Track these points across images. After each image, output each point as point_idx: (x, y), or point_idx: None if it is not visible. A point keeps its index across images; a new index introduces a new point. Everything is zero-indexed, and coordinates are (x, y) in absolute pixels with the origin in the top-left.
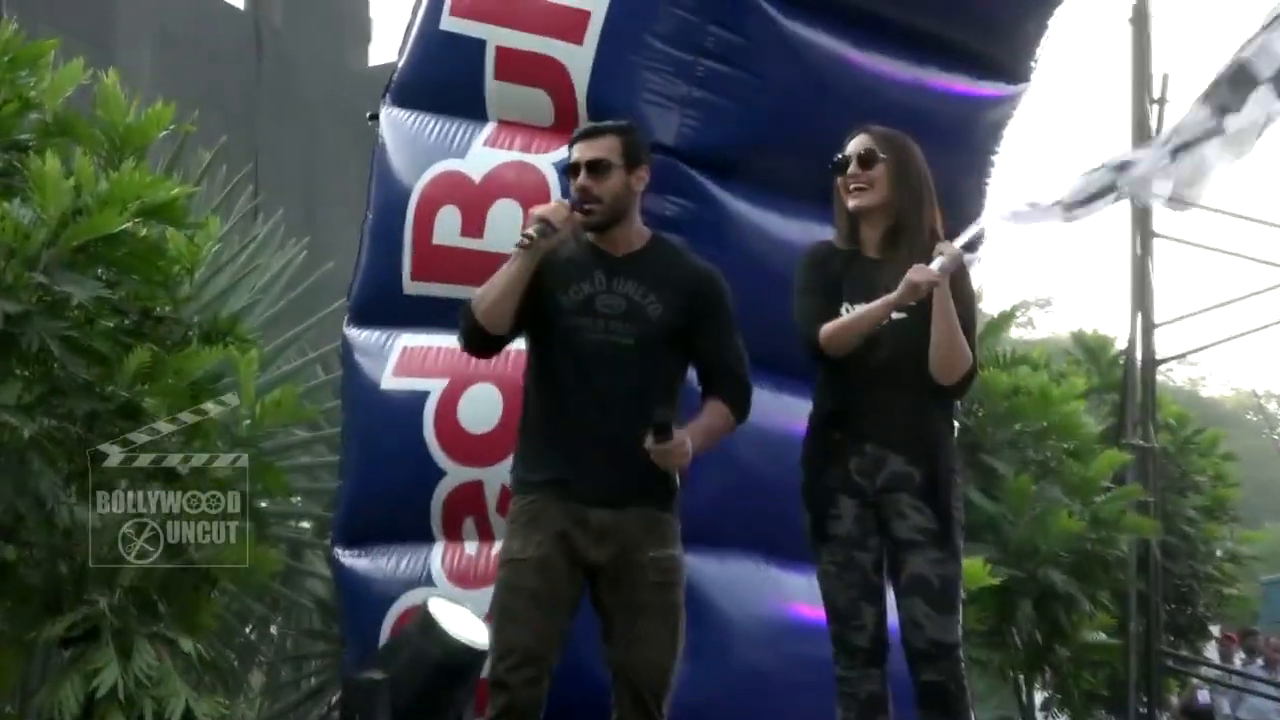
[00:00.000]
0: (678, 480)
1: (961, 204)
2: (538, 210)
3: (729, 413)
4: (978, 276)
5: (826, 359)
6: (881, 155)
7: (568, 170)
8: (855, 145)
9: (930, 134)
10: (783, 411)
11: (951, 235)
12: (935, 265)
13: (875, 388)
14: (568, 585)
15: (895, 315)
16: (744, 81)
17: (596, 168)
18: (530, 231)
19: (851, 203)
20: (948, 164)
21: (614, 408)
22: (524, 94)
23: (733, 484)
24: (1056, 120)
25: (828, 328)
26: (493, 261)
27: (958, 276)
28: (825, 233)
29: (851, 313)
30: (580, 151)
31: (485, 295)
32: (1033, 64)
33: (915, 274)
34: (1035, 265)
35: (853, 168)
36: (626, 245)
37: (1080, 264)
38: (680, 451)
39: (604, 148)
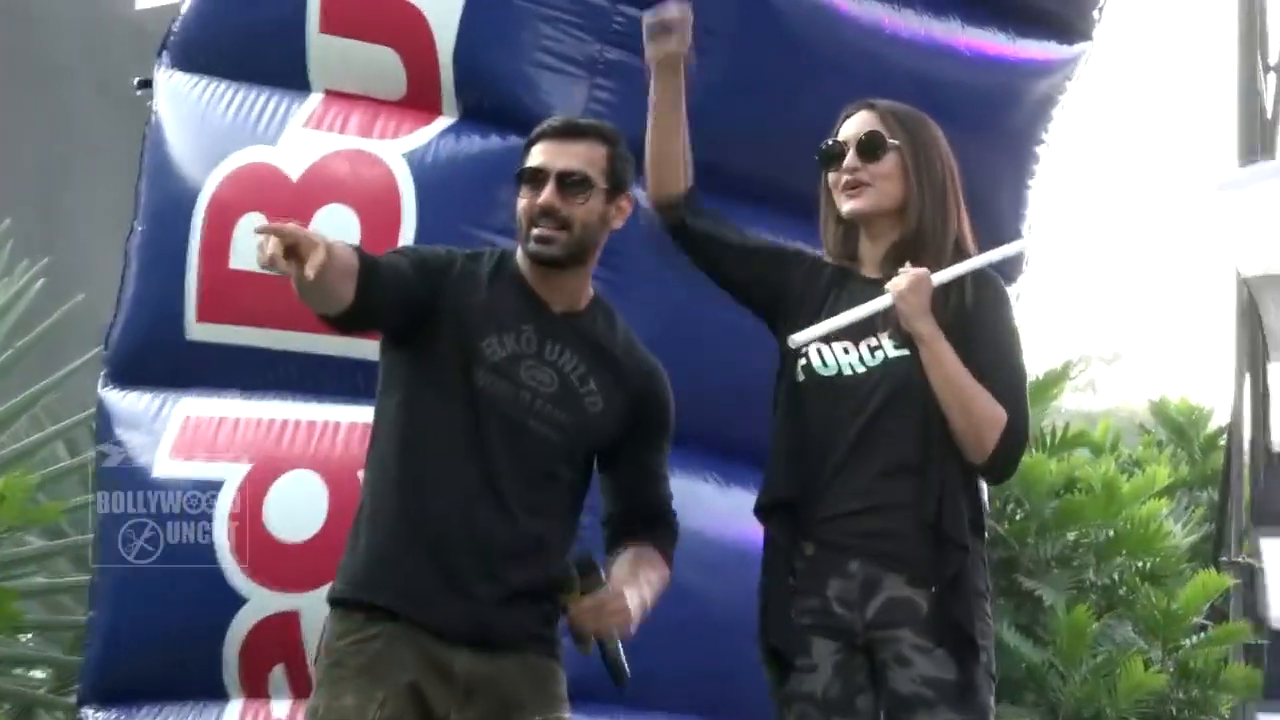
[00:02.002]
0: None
1: (992, 212)
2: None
3: (666, 564)
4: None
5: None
6: (891, 140)
7: (522, 178)
8: (854, 126)
9: (951, 113)
10: (735, 514)
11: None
12: (815, 329)
13: (860, 465)
14: None
15: (892, 352)
16: None
17: (571, 183)
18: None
19: (847, 205)
20: (975, 156)
21: (514, 513)
22: (363, 53)
23: (666, 620)
24: (1133, 96)
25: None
26: None
27: (982, 300)
28: None
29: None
30: (548, 155)
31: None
32: (1096, 15)
33: None
34: (1099, 304)
35: (850, 158)
36: (569, 300)
37: (1163, 303)
38: (618, 607)
39: (584, 156)
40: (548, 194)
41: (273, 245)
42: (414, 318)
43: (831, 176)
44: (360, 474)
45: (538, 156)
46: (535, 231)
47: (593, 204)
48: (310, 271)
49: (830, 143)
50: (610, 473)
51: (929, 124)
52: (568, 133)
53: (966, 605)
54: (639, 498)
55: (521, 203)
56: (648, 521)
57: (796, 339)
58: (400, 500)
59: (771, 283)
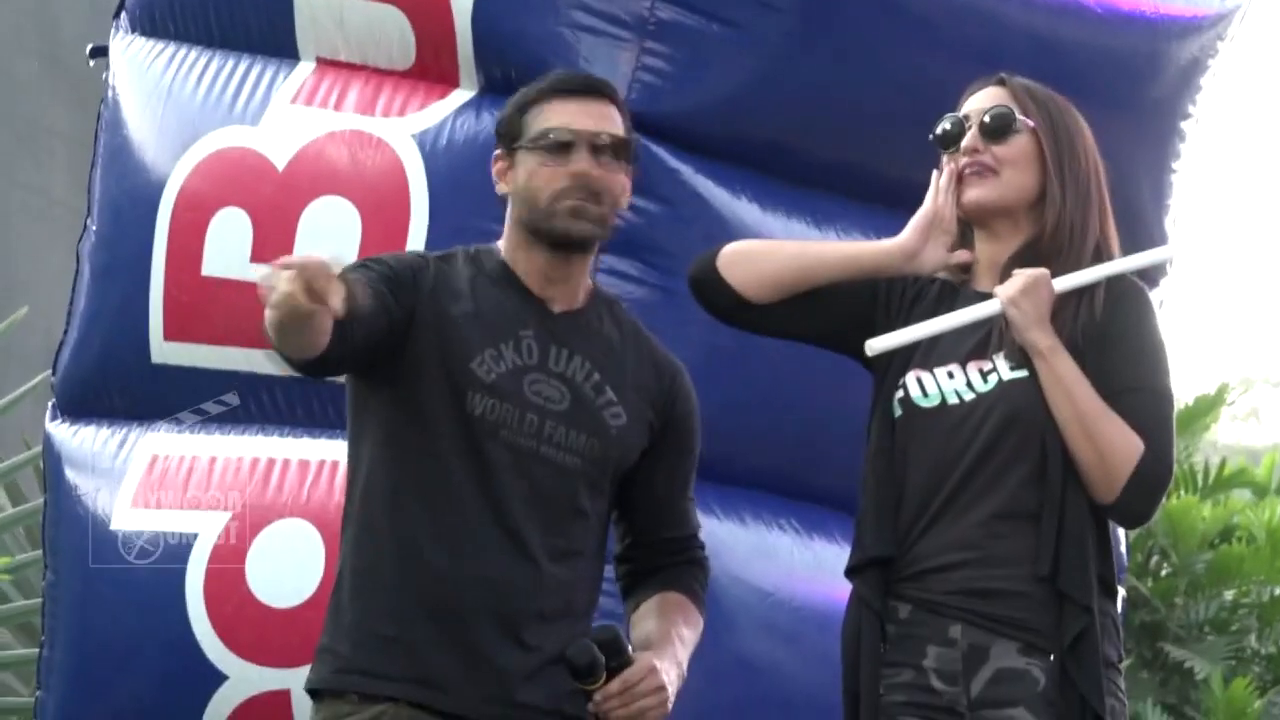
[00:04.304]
0: None
1: (1128, 202)
2: None
3: (699, 613)
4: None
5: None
6: (1024, 119)
7: (556, 145)
8: (979, 101)
9: (1078, 83)
10: (817, 571)
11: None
12: (898, 334)
13: (964, 510)
14: None
15: (1007, 374)
16: None
17: (617, 154)
18: None
19: (968, 193)
20: (1107, 135)
21: (538, 562)
22: (362, 12)
23: (730, 699)
24: None
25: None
26: None
27: (1118, 309)
28: None
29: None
30: (574, 116)
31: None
32: None
33: None
34: (1262, 316)
35: (970, 137)
36: (570, 296)
37: None
38: (652, 687)
39: (617, 120)
40: (586, 161)
41: (291, 282)
42: (394, 349)
43: (947, 159)
44: None
45: (559, 114)
46: (569, 204)
47: (624, 177)
48: (338, 305)
49: (949, 121)
50: (626, 498)
51: (1074, 112)
52: (592, 90)
53: (1094, 678)
54: (663, 528)
55: (543, 171)
56: (674, 557)
57: (874, 344)
58: (394, 562)
59: (859, 311)
